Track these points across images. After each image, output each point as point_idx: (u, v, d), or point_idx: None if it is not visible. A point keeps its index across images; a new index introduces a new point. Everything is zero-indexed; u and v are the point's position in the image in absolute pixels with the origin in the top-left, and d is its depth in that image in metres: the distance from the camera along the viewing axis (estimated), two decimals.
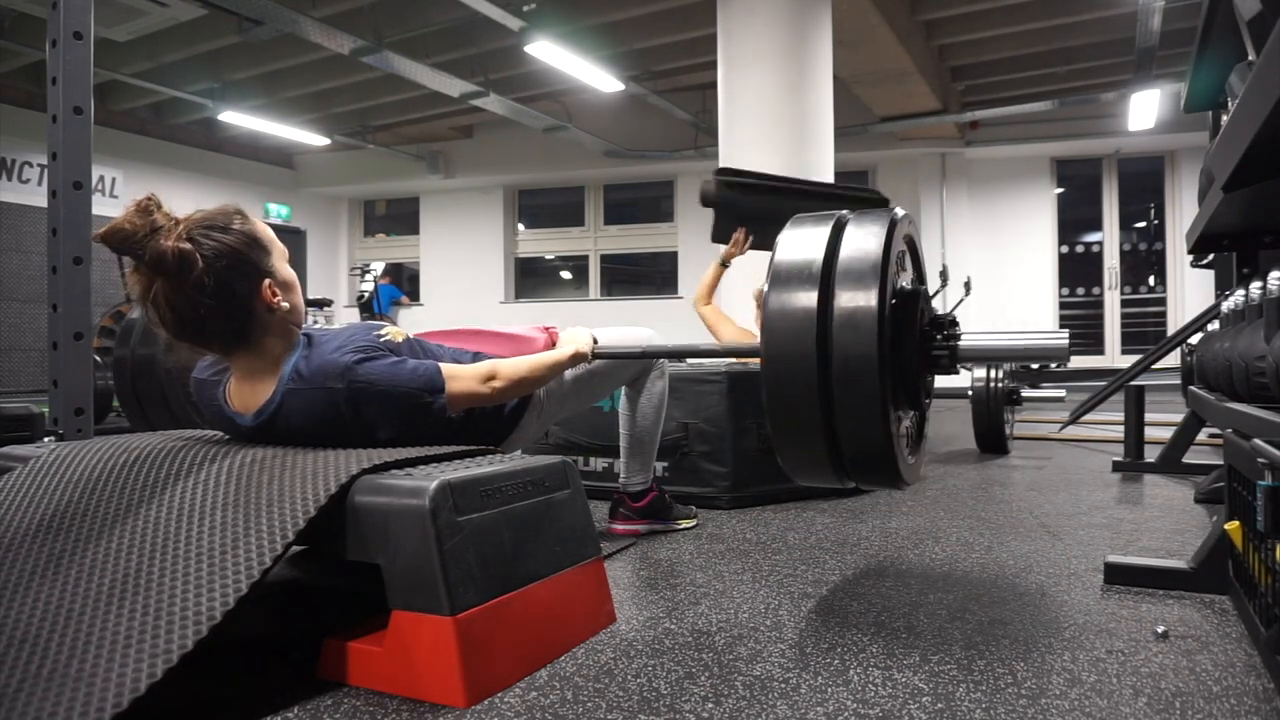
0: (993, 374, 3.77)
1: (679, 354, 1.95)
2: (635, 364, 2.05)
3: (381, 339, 1.47)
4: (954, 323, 1.52)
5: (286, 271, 1.42)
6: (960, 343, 1.50)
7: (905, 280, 1.54)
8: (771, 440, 1.45)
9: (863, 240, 1.40)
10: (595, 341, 1.80)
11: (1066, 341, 1.43)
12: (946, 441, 4.31)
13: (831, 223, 1.46)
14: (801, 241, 1.45)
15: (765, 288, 1.42)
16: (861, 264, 1.37)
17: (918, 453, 1.61)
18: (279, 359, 1.40)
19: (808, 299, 1.37)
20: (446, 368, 1.49)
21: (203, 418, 1.53)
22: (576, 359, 1.69)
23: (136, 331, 2.61)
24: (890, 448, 1.37)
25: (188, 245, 1.28)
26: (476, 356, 1.68)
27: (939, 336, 1.50)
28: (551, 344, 1.80)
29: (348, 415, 1.38)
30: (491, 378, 1.52)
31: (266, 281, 1.37)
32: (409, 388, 1.41)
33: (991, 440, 3.78)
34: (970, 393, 3.78)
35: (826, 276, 1.38)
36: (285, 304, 1.39)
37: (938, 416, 5.55)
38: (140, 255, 1.28)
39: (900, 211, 1.48)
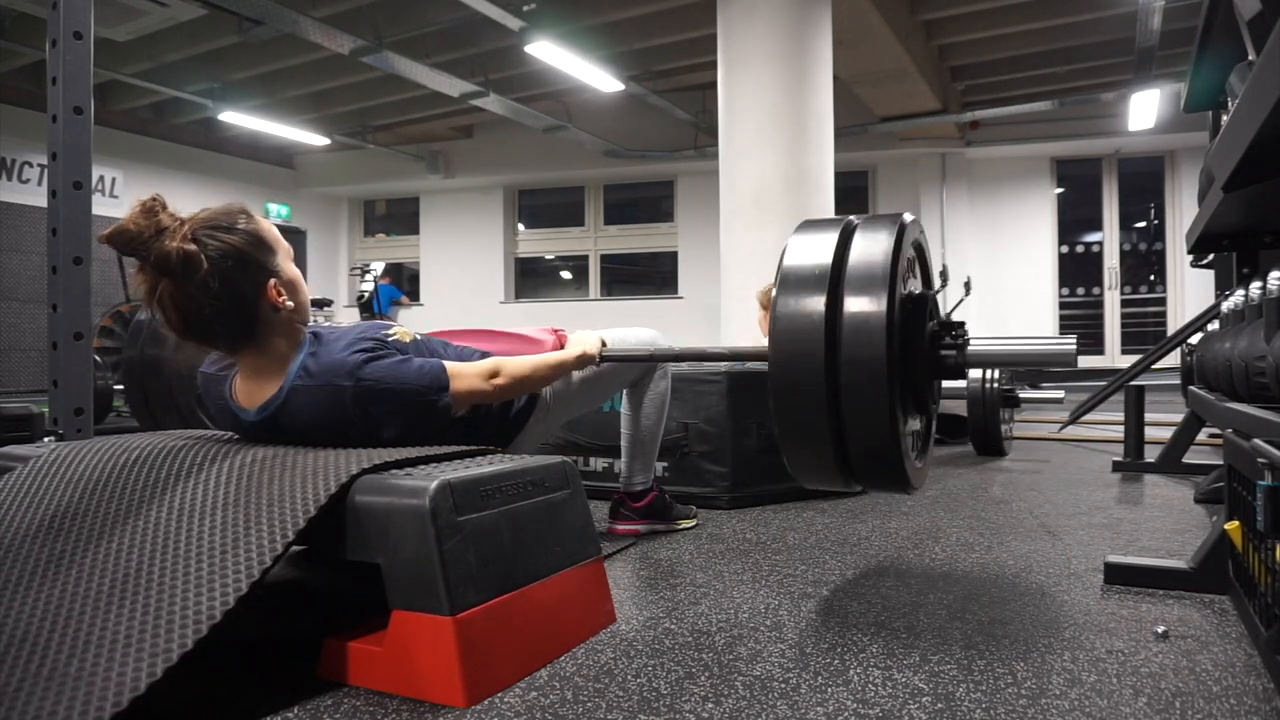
0: (988, 374, 3.71)
1: (686, 358, 1.94)
2: (640, 365, 2.05)
3: (389, 338, 1.49)
4: (962, 324, 1.53)
5: (291, 270, 1.43)
6: (968, 347, 1.50)
7: (914, 285, 1.54)
8: (779, 444, 1.46)
9: (871, 246, 1.41)
10: (604, 344, 1.79)
11: (1074, 347, 1.43)
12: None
13: (840, 228, 1.46)
14: (809, 247, 1.45)
15: (773, 292, 1.42)
16: (870, 270, 1.37)
17: (924, 457, 1.62)
18: (285, 357, 1.41)
19: (816, 304, 1.37)
20: (451, 365, 1.49)
21: (207, 413, 1.54)
22: (583, 361, 1.69)
23: (144, 332, 2.61)
24: (898, 452, 1.37)
25: (192, 246, 1.28)
26: (484, 355, 1.68)
27: (946, 339, 1.50)
28: (560, 346, 1.80)
29: (354, 413, 1.38)
30: (494, 375, 1.52)
31: (271, 281, 1.37)
32: (415, 385, 1.41)
33: (988, 443, 3.69)
34: (965, 394, 3.73)
35: (835, 282, 1.39)
36: (290, 303, 1.40)
37: None
38: (145, 256, 1.28)
39: (909, 217, 1.49)
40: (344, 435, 1.40)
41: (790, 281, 1.42)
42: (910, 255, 1.50)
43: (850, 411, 1.35)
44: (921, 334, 1.45)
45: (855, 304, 1.36)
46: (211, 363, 1.51)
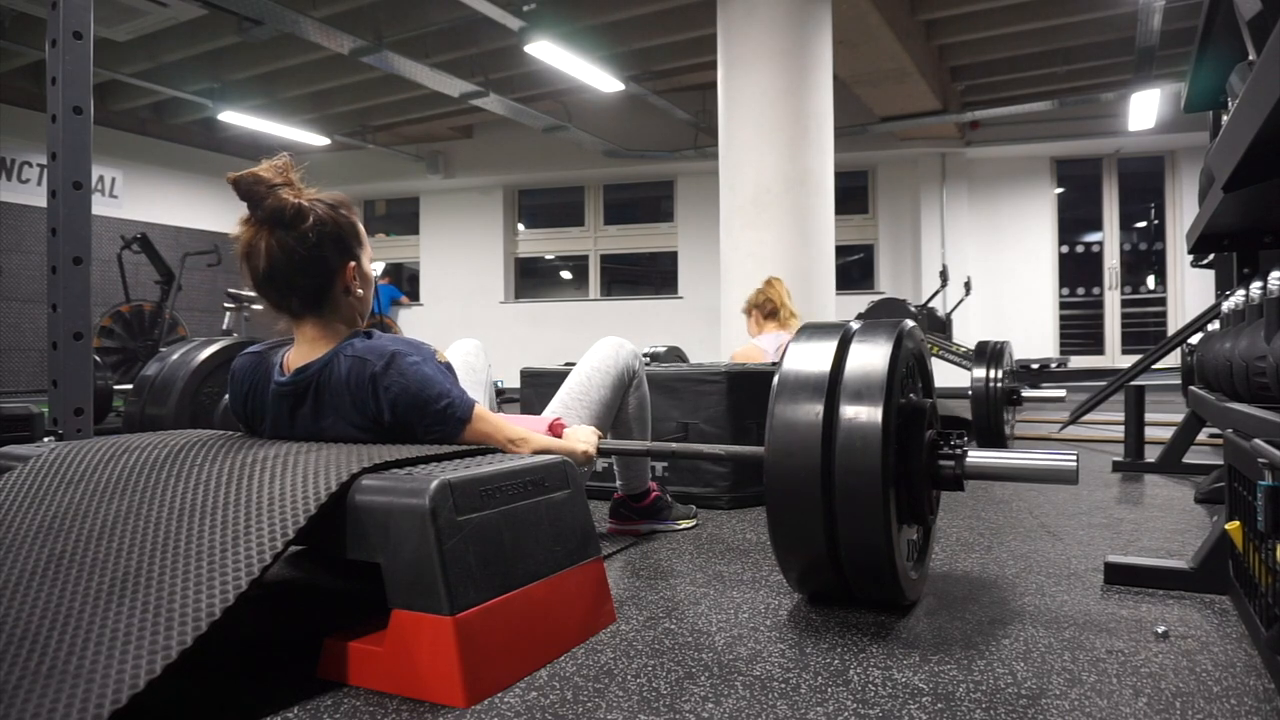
0: (992, 373, 3.75)
1: (681, 455, 1.95)
2: (618, 392, 2.13)
3: (428, 347, 1.56)
4: (962, 436, 1.52)
5: (368, 268, 1.57)
6: (968, 459, 1.48)
7: (913, 393, 1.54)
8: (773, 549, 1.46)
9: (869, 354, 1.42)
10: (600, 436, 1.90)
11: (1075, 465, 1.41)
12: None
13: (839, 335, 1.47)
14: (808, 354, 1.46)
15: (772, 393, 1.44)
16: (867, 378, 1.38)
17: (922, 567, 1.62)
18: (340, 335, 1.51)
19: (813, 411, 1.38)
20: (483, 410, 1.53)
21: (232, 389, 1.61)
22: (585, 457, 1.77)
23: (147, 391, 2.58)
24: (892, 562, 1.37)
25: (306, 203, 1.45)
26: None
27: (945, 449, 1.50)
28: (554, 434, 1.86)
29: (368, 390, 1.45)
30: (515, 442, 1.58)
31: (352, 264, 1.51)
32: (431, 404, 1.46)
33: (991, 440, 3.75)
34: (970, 392, 3.77)
35: (832, 389, 1.40)
36: (360, 291, 1.54)
37: None
38: (260, 202, 1.42)
39: (908, 324, 1.49)
40: (354, 407, 1.45)
41: (789, 388, 1.43)
42: (910, 363, 1.50)
43: (844, 518, 1.36)
44: (919, 443, 1.45)
45: (852, 411, 1.37)
46: (258, 345, 1.62)
